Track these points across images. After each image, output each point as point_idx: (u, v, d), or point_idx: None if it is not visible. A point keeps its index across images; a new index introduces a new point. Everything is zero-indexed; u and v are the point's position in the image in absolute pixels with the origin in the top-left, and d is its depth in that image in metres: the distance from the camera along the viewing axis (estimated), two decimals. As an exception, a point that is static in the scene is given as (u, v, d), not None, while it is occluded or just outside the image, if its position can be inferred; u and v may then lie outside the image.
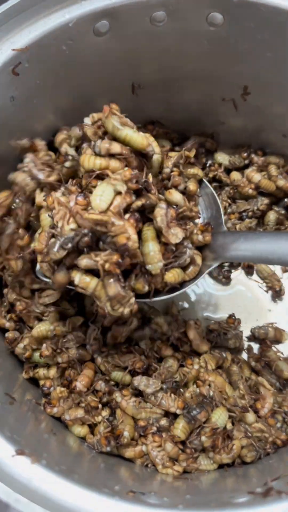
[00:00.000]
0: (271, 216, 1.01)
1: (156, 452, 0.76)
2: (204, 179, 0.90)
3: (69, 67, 0.80)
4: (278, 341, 0.94)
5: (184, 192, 0.82)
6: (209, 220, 0.86)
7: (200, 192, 0.89)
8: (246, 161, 1.05)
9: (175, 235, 0.71)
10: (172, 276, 0.73)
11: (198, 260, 0.79)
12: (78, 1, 0.74)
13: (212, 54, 0.84)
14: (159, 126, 1.01)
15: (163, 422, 0.79)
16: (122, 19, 0.77)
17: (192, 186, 0.84)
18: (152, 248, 0.69)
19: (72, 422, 0.79)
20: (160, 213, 0.69)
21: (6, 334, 0.84)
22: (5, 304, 0.87)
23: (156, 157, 0.77)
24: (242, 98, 0.93)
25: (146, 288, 0.71)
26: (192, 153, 0.85)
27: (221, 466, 0.78)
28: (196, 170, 0.88)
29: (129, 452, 0.77)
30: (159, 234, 0.71)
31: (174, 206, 0.75)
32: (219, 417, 0.80)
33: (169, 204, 0.74)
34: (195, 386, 0.85)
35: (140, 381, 0.81)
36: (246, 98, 0.92)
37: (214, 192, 0.89)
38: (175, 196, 0.75)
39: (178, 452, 0.76)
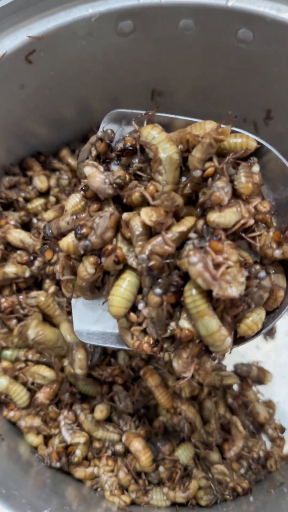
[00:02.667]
0: None
1: (106, 477, 0.72)
2: (263, 141, 0.58)
3: (87, 62, 0.77)
4: (260, 381, 0.89)
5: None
6: (280, 205, 0.57)
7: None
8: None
9: (236, 283, 0.46)
10: (248, 328, 0.54)
11: (282, 282, 0.56)
12: (104, -3, 0.71)
13: (239, 72, 0.80)
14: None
15: (119, 447, 0.74)
16: (148, 22, 0.74)
17: (244, 183, 0.52)
18: (211, 328, 0.48)
19: (27, 429, 0.75)
20: (196, 272, 0.45)
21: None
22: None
23: (167, 157, 0.52)
24: (264, 122, 0.88)
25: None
26: (228, 128, 0.52)
27: (173, 504, 0.73)
28: (245, 139, 0.55)
29: (79, 472, 0.73)
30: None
31: (217, 236, 0.47)
32: (183, 452, 0.76)
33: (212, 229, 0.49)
34: (165, 411, 0.81)
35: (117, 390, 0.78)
36: (268, 122, 0.88)
37: (283, 159, 0.57)
38: (222, 221, 0.49)
39: (130, 482, 0.72)
